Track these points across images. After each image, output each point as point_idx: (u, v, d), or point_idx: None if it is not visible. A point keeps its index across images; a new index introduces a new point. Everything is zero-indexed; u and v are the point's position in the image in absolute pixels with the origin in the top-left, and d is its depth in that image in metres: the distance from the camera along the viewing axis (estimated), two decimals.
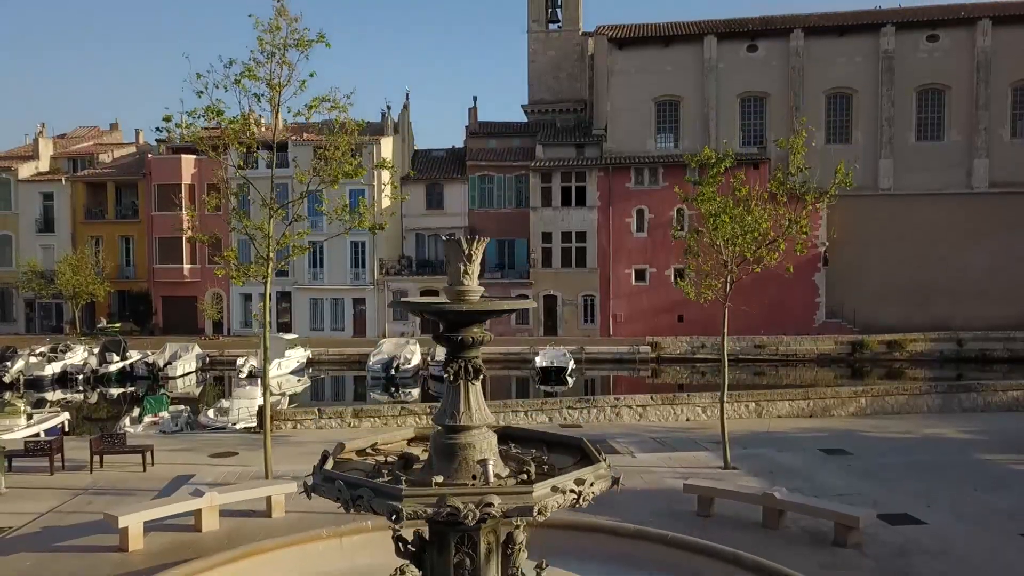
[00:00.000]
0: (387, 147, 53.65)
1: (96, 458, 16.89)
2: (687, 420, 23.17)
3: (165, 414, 26.38)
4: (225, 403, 27.90)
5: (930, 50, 50.19)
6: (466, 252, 8.17)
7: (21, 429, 24.35)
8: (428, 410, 22.38)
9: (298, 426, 22.08)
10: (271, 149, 18.16)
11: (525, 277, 51.83)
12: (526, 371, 43.62)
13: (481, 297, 8.84)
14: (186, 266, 53.90)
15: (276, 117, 16.38)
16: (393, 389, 39.46)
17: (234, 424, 24.46)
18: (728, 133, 51.95)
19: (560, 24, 64.01)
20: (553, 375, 39.96)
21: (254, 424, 23.04)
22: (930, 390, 24.16)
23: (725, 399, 17.37)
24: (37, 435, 24.57)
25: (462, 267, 8.23)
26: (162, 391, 28.36)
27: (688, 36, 52.30)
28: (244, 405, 26.05)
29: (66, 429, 26.80)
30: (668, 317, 50.47)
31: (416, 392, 39.76)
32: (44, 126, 60.50)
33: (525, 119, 66.68)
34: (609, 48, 53.17)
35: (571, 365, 40.74)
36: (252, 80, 14.86)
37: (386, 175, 52.87)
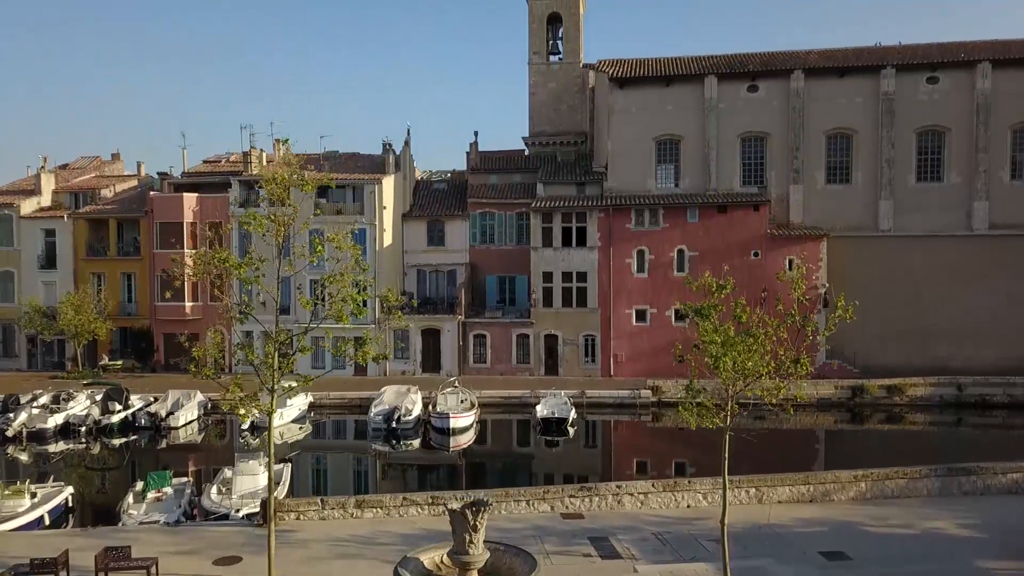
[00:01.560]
0: (388, 186, 53.82)
1: (102, 574, 17.02)
2: (688, 507, 23.27)
3: (168, 490, 26.49)
4: (228, 472, 27.96)
5: (930, 92, 50.33)
6: (471, 523, 8.20)
7: (25, 510, 24.54)
8: (430, 500, 22.48)
9: (301, 517, 22.21)
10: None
11: (526, 316, 51.95)
12: (527, 414, 43.78)
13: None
14: (187, 304, 54.01)
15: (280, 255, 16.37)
16: (394, 440, 39.56)
17: (237, 511, 24.54)
18: (728, 172, 52.36)
19: (561, 56, 64.15)
20: (554, 426, 40.06)
21: (257, 510, 23.14)
22: (929, 474, 24.25)
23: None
24: (41, 518, 24.80)
25: (467, 537, 8.24)
26: (165, 470, 28.42)
27: (689, 76, 52.40)
28: (247, 486, 26.13)
29: (70, 504, 26.99)
30: (668, 357, 50.13)
31: (417, 443, 39.86)
32: (46, 160, 60.75)
33: (526, 147, 67.07)
34: (610, 87, 53.31)
35: (572, 415, 40.84)
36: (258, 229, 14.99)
37: (388, 217, 53.24)
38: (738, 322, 16.88)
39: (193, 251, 54.05)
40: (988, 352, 49.31)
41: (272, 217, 15.81)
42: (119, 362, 54.59)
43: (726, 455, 17.37)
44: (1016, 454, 30.03)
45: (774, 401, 16.14)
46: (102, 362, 54.39)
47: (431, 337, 52.19)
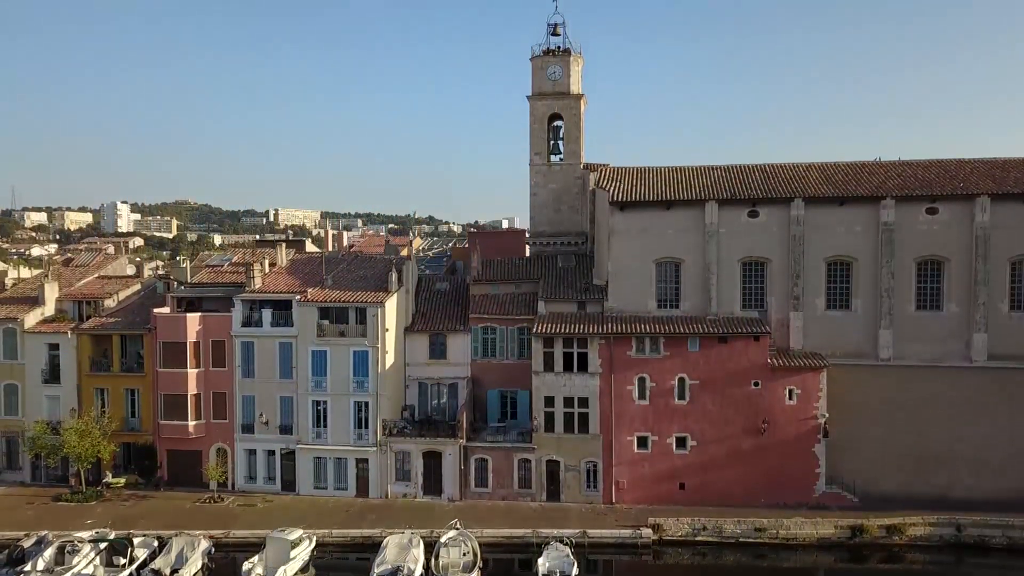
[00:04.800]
0: (391, 306, 54.12)
1: None
2: None
3: None
4: None
5: (929, 222, 50.70)
6: None
7: None
8: None
9: None
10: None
11: (528, 437, 52.22)
12: (528, 554, 44.13)
13: None
14: (191, 423, 54.26)
15: None
16: None
17: None
18: (729, 296, 52.73)
19: (562, 157, 64.55)
20: None
21: None
22: None
23: None
24: None
25: None
26: None
27: (689, 201, 52.70)
28: None
29: None
30: (670, 485, 51.04)
31: None
32: (50, 266, 60.93)
33: (527, 245, 67.51)
34: (610, 209, 53.60)
35: (574, 571, 41.04)
36: None
37: (390, 338, 53.51)
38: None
39: (197, 371, 54.55)
40: (987, 482, 49.73)
41: None
42: (122, 479, 54.89)
43: None
44: None
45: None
46: (106, 479, 54.70)
47: (432, 459, 52.44)
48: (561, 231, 64.20)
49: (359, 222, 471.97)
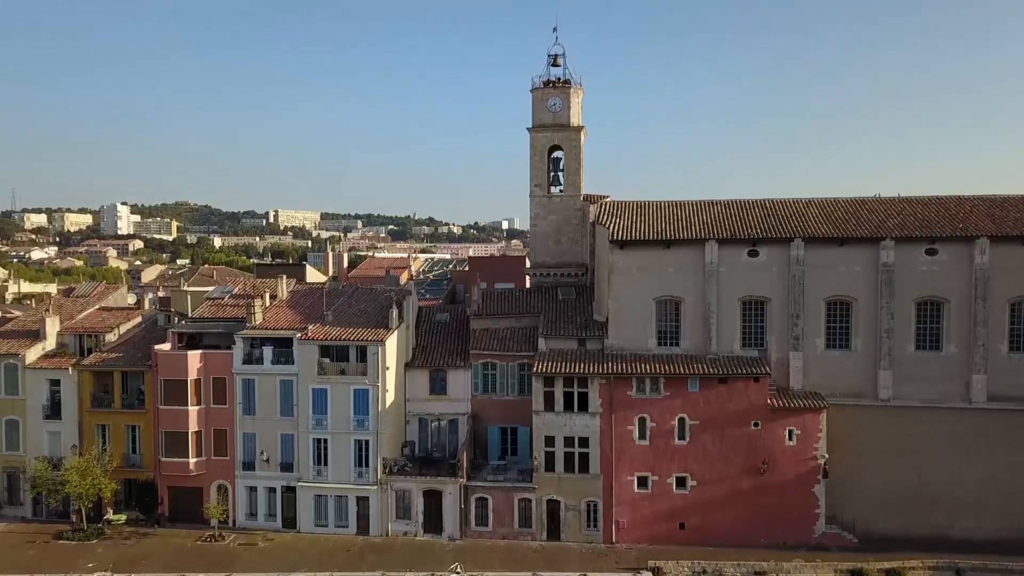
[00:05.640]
0: (391, 344, 54.18)
1: None
2: None
3: None
4: None
5: (928, 263, 50.79)
6: None
7: None
8: None
9: None
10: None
11: (528, 476, 52.33)
12: None
13: None
14: (192, 460, 54.35)
15: None
16: None
17: None
18: (729, 335, 52.82)
19: (562, 188, 64.63)
20: None
21: None
22: None
23: None
24: None
25: None
26: None
27: (689, 240, 52.76)
28: None
29: None
30: (670, 525, 51.20)
31: None
32: (52, 301, 61.01)
33: (527, 276, 67.69)
34: (611, 247, 53.66)
35: None
36: None
37: (391, 377, 53.64)
38: None
39: (198, 408, 54.67)
40: (987, 523, 49.92)
41: None
42: (123, 515, 55.02)
43: None
44: None
45: None
46: (107, 516, 54.82)
47: (433, 498, 52.56)
48: (561, 262, 64.31)
49: (359, 223, 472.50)
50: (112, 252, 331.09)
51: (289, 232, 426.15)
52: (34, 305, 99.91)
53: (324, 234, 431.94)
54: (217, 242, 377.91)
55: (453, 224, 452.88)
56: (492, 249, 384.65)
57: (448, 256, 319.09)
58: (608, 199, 61.72)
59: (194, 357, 54.45)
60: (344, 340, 53.68)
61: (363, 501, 53.27)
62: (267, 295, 59.96)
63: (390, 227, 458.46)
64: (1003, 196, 55.02)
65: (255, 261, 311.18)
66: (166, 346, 55.99)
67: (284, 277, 63.41)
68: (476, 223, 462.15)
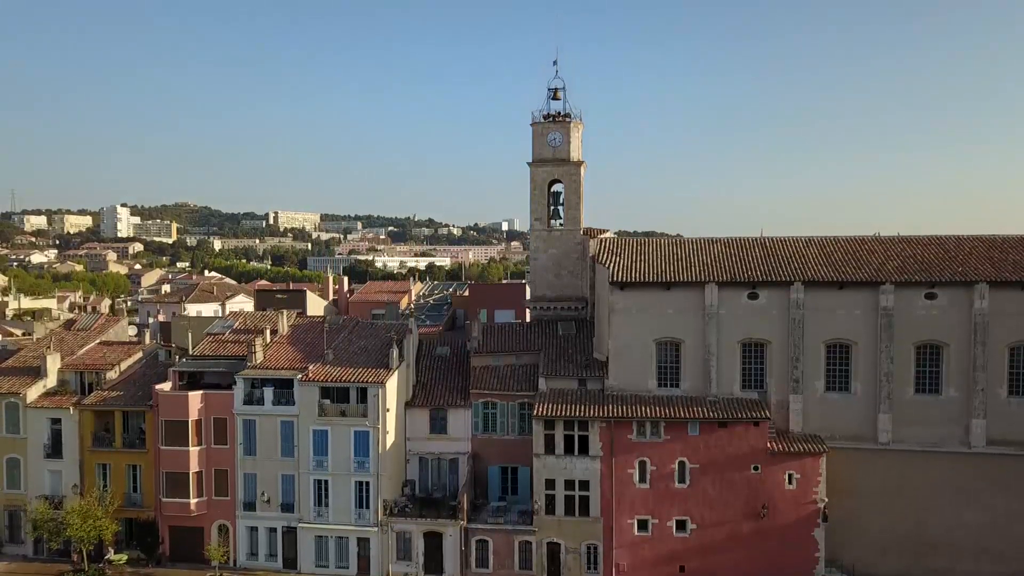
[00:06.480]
0: (392, 385, 54.23)
1: None
2: None
3: None
4: None
5: (928, 307, 50.87)
6: None
7: None
8: None
9: None
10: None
11: (528, 518, 52.45)
12: None
13: None
14: (193, 500, 54.47)
15: None
16: None
17: None
18: (729, 377, 52.96)
19: (562, 223, 64.67)
20: None
21: None
22: None
23: None
24: None
25: None
26: None
27: (689, 283, 52.82)
28: None
29: None
30: (670, 568, 51.35)
31: None
32: (53, 340, 61.12)
33: (527, 309, 67.73)
34: (611, 288, 53.73)
35: None
36: None
37: (391, 419, 53.76)
38: None
39: (198, 448, 54.78)
40: (986, 567, 50.08)
41: None
42: (124, 555, 55.16)
43: None
44: None
45: None
46: (108, 556, 54.92)
47: (433, 539, 52.70)
48: (562, 296, 64.39)
49: (359, 224, 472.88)
50: (112, 255, 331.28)
51: (289, 234, 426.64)
52: (34, 321, 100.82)
53: (324, 235, 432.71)
54: (217, 244, 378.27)
55: (453, 225, 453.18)
56: (492, 251, 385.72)
57: (448, 260, 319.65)
58: (607, 235, 61.80)
59: (195, 398, 54.55)
60: (344, 381, 53.77)
61: (364, 542, 53.41)
62: (267, 331, 60.09)
63: (390, 228, 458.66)
64: (1002, 237, 55.14)
65: (255, 264, 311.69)
66: (167, 385, 56.09)
67: (285, 312, 63.49)
68: (476, 224, 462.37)
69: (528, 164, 64.10)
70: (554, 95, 64.67)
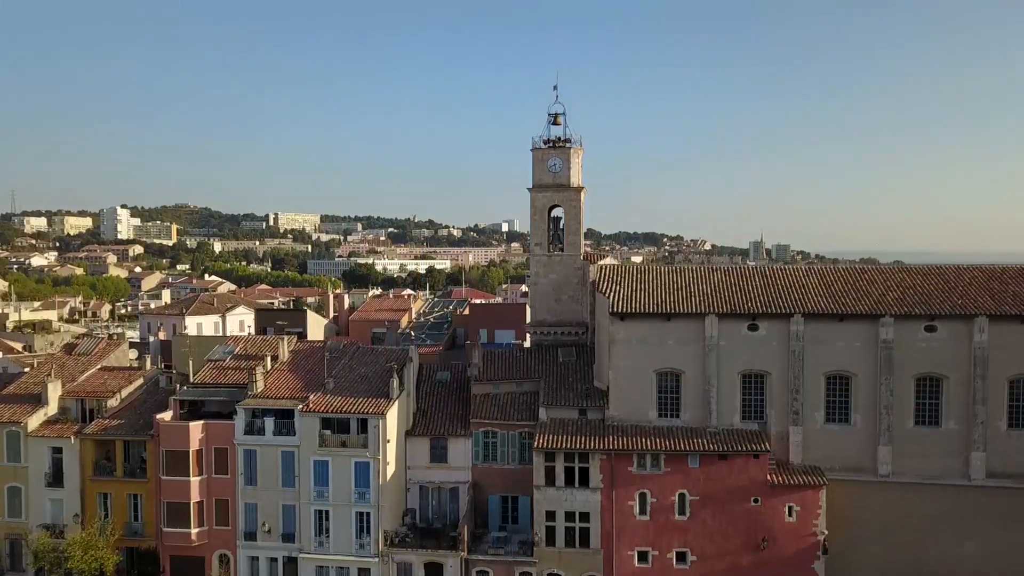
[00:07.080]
0: (392, 415, 54.28)
1: None
2: None
3: None
4: None
5: (928, 340, 50.93)
6: None
7: None
8: None
9: None
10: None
11: (529, 552, 52.52)
12: None
13: None
14: (193, 530, 54.56)
15: None
16: None
17: None
18: (729, 408, 53.07)
19: (563, 248, 64.72)
20: None
21: None
22: None
23: None
24: None
25: None
26: None
27: (689, 314, 52.87)
28: None
29: None
30: None
31: None
32: (54, 368, 61.29)
33: (527, 333, 67.80)
34: (611, 319, 53.79)
35: None
36: None
37: (392, 449, 53.84)
38: None
39: (199, 478, 54.86)
40: None
41: None
42: None
43: None
44: None
45: None
46: None
47: (434, 570, 52.80)
48: (562, 320, 64.45)
49: (359, 226, 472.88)
50: (112, 258, 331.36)
51: (289, 235, 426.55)
52: (35, 335, 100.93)
53: (324, 237, 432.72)
54: (217, 246, 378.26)
55: (453, 227, 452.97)
56: (492, 253, 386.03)
57: (448, 262, 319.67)
58: (607, 261, 61.84)
59: (196, 428, 54.63)
60: (345, 412, 53.83)
61: (365, 573, 53.49)
62: (268, 357, 60.17)
63: (390, 230, 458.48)
64: (1002, 267, 55.26)
65: (255, 267, 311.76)
66: (167, 415, 56.16)
67: (286, 339, 63.54)
68: (476, 225, 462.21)
69: (528, 189, 64.18)
70: (554, 120, 64.69)
